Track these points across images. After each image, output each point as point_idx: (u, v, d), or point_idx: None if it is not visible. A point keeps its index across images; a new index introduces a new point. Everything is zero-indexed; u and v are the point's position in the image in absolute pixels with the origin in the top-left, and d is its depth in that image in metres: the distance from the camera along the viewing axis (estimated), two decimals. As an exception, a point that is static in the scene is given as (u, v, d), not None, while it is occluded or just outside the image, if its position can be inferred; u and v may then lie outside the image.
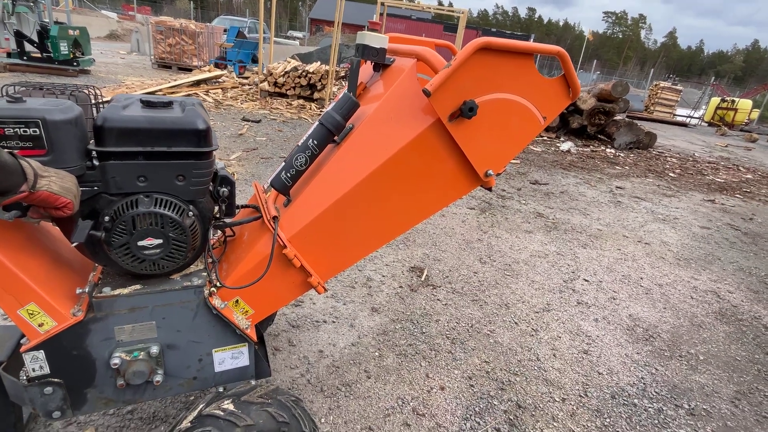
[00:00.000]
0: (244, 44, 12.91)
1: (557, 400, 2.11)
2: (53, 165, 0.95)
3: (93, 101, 1.20)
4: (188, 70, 11.97)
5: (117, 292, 1.18)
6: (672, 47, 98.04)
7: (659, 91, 18.07)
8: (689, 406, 2.20)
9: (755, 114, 20.47)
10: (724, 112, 18.39)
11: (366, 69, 1.47)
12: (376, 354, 2.26)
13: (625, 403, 2.16)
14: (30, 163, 0.87)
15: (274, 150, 5.86)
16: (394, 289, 2.90)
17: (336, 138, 1.26)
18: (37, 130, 0.93)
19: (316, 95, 9.49)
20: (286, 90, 9.45)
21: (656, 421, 2.07)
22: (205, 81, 9.52)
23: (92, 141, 1.06)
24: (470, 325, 2.62)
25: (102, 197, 1.08)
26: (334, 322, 2.47)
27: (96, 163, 1.05)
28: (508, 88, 1.18)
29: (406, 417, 1.89)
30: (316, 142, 1.23)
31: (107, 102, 1.17)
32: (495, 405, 2.03)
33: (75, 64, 9.23)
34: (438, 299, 2.86)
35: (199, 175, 1.14)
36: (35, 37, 8.89)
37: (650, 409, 2.14)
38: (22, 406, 1.47)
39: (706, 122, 19.08)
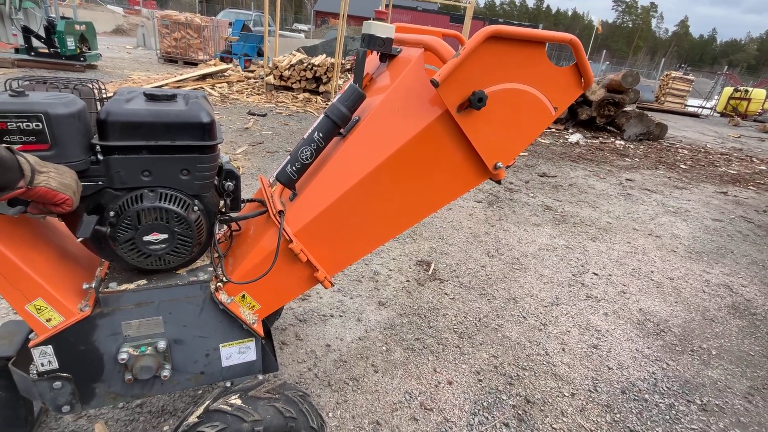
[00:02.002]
0: (250, 37, 12.86)
1: (566, 395, 2.09)
2: (56, 160, 0.94)
3: (96, 95, 1.18)
4: (194, 64, 11.97)
5: (123, 287, 1.18)
6: (684, 36, 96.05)
7: (670, 82, 17.73)
8: (701, 401, 2.17)
9: (769, 104, 20.00)
10: (737, 102, 18.01)
11: (372, 60, 1.44)
12: (384, 348, 2.25)
13: (636, 398, 2.13)
14: (27, 158, 0.85)
15: (280, 143, 5.85)
16: (401, 283, 2.89)
17: (342, 130, 1.24)
18: (39, 124, 0.92)
19: (321, 88, 9.44)
20: (292, 83, 9.42)
21: (667, 417, 2.04)
22: (210, 75, 9.52)
23: (96, 135, 1.05)
24: (478, 319, 2.61)
25: (107, 192, 1.07)
26: (341, 316, 2.46)
27: (100, 157, 1.04)
28: (519, 77, 1.15)
29: (413, 411, 1.89)
30: (321, 135, 1.21)
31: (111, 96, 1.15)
32: (503, 400, 2.01)
33: (82, 59, 9.27)
34: (445, 293, 2.84)
35: (204, 169, 1.13)
36: (42, 33, 8.92)
37: (661, 404, 2.11)
38: (33, 401, 1.48)
39: (718, 113, 18.70)
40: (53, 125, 0.93)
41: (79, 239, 1.01)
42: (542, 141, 8.40)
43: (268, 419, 1.17)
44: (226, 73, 10.06)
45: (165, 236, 1.12)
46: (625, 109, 9.85)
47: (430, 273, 3.06)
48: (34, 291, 1.05)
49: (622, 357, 2.43)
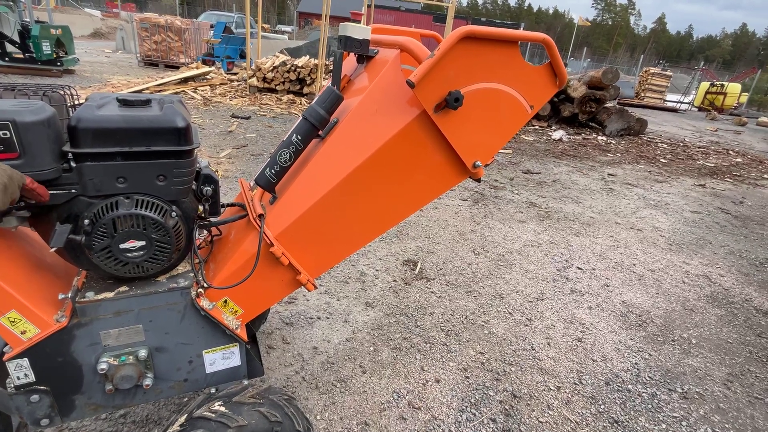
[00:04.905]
0: (232, 40, 12.73)
1: (552, 388, 2.12)
2: (26, 168, 0.92)
3: (68, 101, 1.16)
4: (175, 67, 11.80)
5: (101, 296, 1.16)
6: (661, 33, 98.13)
7: (649, 78, 18.12)
8: (682, 389, 2.23)
9: (744, 98, 20.61)
10: (714, 96, 18.50)
11: (350, 61, 1.45)
12: (371, 349, 2.25)
13: (620, 389, 2.18)
14: None
15: (265, 146, 5.80)
16: (387, 283, 2.90)
17: (320, 133, 1.24)
18: (7, 132, 0.90)
19: (305, 90, 9.40)
20: (276, 85, 9.36)
21: (650, 406, 2.08)
22: (192, 78, 9.39)
23: (68, 142, 1.03)
24: (465, 316, 2.63)
25: (80, 200, 1.05)
26: (328, 318, 2.46)
27: (73, 165, 1.02)
28: (494, 77, 1.16)
29: (402, 411, 1.89)
30: (300, 138, 1.21)
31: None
32: (490, 396, 2.03)
33: (59, 63, 9.05)
34: (432, 292, 2.86)
35: (181, 174, 1.12)
36: (16, 38, 8.69)
37: (644, 394, 2.16)
38: (10, 415, 1.44)
39: (696, 107, 19.19)
40: (21, 133, 0.91)
41: (53, 249, 0.99)
42: (526, 138, 8.50)
43: (253, 424, 1.16)
44: (208, 76, 9.94)
45: (142, 243, 1.10)
46: (606, 105, 10.03)
47: (416, 272, 3.08)
48: (7, 303, 1.03)
49: (605, 349, 2.47)
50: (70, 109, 1.17)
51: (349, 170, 1.18)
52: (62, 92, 1.16)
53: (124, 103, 1.09)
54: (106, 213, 1.05)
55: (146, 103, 1.11)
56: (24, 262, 1.14)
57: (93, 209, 1.05)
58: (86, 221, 1.04)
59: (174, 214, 1.14)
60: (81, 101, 1.17)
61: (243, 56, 12.57)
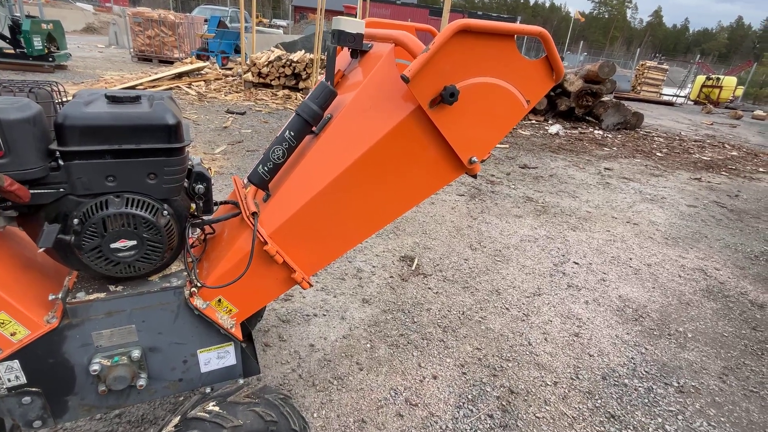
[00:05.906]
0: (226, 34, 12.62)
1: (549, 383, 2.13)
2: (11, 167, 0.90)
3: (55, 98, 1.14)
4: (169, 62, 11.68)
5: (93, 296, 1.14)
6: (657, 26, 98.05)
7: (645, 71, 18.10)
8: (678, 383, 2.23)
9: (740, 91, 20.63)
10: (710, 89, 18.52)
11: (344, 56, 1.42)
12: (368, 345, 2.25)
13: (616, 383, 2.18)
14: None
15: (260, 142, 5.76)
16: (384, 279, 2.89)
17: (314, 129, 1.22)
18: (-9, 130, 0.87)
19: (301, 85, 9.34)
20: (271, 80, 9.29)
21: (646, 400, 2.09)
22: (187, 73, 9.30)
23: (55, 140, 1.00)
24: (462, 312, 2.62)
25: (69, 199, 1.03)
26: (324, 315, 2.45)
27: (60, 163, 1.00)
28: (490, 71, 1.14)
29: (399, 407, 1.89)
30: (293, 134, 1.19)
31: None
32: (488, 391, 2.03)
33: (50, 59, 8.94)
34: (429, 288, 2.85)
35: (172, 172, 1.10)
36: (7, 33, 8.57)
37: (640, 388, 2.17)
38: (2, 418, 1.43)
39: (692, 101, 19.20)
40: (6, 131, 0.88)
41: (41, 249, 0.97)
42: (523, 133, 8.49)
43: (248, 424, 1.15)
44: (202, 72, 9.85)
45: (133, 243, 1.08)
46: (602, 99, 10.02)
47: (413, 268, 3.07)
48: (-4, 305, 1.01)
49: (602, 344, 2.48)
50: (57, 106, 1.15)
51: (343, 167, 1.17)
52: (49, 89, 1.13)
53: (112, 99, 1.06)
54: (95, 212, 1.03)
55: (135, 99, 1.09)
56: (13, 262, 1.12)
57: (82, 208, 1.03)
58: (75, 221, 1.02)
59: (165, 212, 1.12)
60: (69, 98, 1.15)
61: (238, 51, 12.46)
